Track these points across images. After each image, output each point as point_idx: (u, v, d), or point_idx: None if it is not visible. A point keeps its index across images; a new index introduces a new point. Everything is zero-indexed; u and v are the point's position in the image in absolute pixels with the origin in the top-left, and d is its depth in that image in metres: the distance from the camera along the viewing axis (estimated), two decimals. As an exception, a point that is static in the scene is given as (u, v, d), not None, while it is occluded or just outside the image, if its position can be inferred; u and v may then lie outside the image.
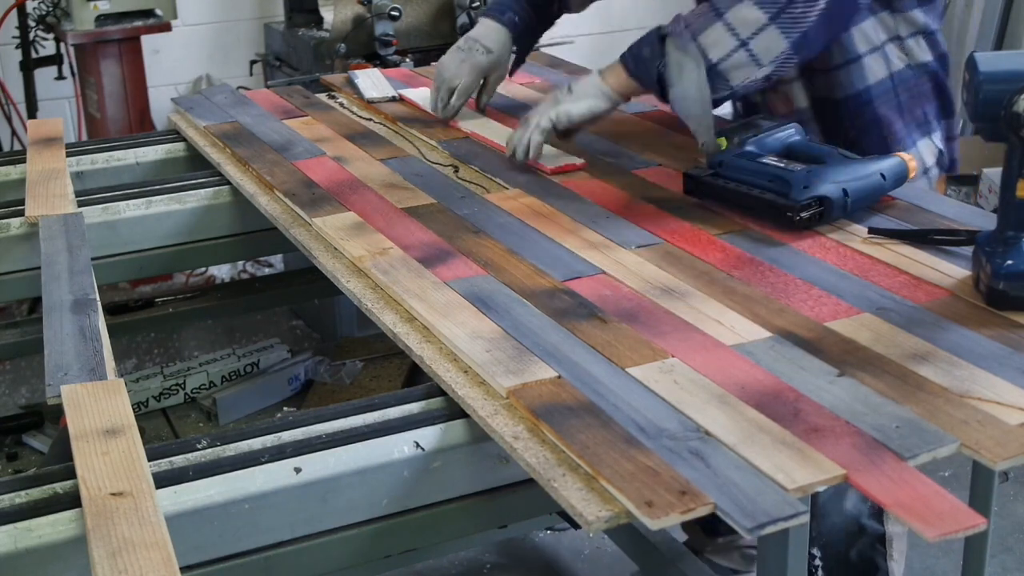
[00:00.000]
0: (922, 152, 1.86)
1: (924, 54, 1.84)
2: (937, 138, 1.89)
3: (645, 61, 1.72)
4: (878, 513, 1.87)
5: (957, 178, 3.94)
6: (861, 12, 1.77)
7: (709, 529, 2.32)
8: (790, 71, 1.75)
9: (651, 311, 1.39)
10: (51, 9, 3.51)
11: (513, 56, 2.14)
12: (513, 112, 2.19)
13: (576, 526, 1.78)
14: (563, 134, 1.86)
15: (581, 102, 1.80)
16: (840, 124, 1.86)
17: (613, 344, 1.31)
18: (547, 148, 1.88)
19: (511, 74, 2.21)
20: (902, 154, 1.70)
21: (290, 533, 1.19)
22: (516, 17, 2.08)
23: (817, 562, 1.93)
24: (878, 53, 1.81)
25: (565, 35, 2.27)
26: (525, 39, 2.15)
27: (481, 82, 2.12)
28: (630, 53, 1.76)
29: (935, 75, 1.86)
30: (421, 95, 2.28)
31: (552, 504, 1.10)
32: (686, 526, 2.30)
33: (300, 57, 3.45)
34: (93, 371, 1.29)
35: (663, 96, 1.73)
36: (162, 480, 1.13)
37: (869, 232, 1.57)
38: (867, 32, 1.80)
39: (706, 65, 1.65)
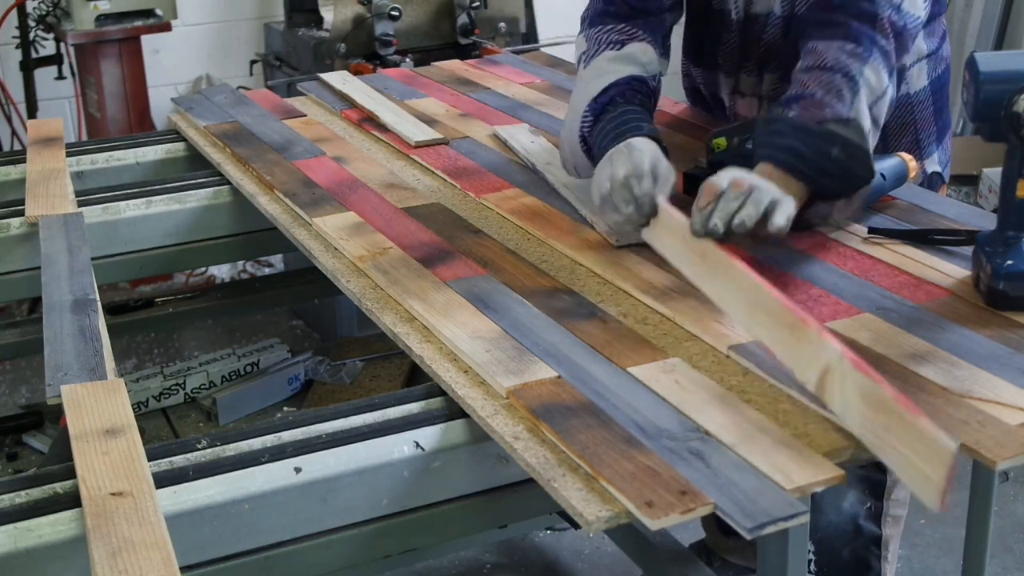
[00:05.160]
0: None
1: (921, 80, 1.84)
2: (931, 162, 1.87)
3: (838, 161, 1.47)
4: (876, 515, 1.87)
5: (957, 178, 3.93)
6: None
7: (725, 529, 2.32)
8: None
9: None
10: (51, 9, 3.51)
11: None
12: (514, 112, 2.19)
13: (576, 526, 1.77)
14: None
15: (791, 204, 1.43)
16: None
17: (613, 344, 1.31)
18: (414, 124, 2.05)
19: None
20: (902, 154, 1.70)
21: (290, 533, 1.19)
22: (646, 125, 1.63)
23: (810, 555, 1.93)
24: None
25: (566, 35, 2.25)
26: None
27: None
28: (807, 162, 1.46)
29: (933, 97, 1.86)
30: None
31: (552, 504, 1.10)
32: (705, 525, 2.30)
33: (300, 57, 3.45)
34: (93, 371, 1.29)
35: (839, 193, 1.53)
36: (162, 480, 1.13)
37: (869, 232, 1.57)
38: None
39: None
